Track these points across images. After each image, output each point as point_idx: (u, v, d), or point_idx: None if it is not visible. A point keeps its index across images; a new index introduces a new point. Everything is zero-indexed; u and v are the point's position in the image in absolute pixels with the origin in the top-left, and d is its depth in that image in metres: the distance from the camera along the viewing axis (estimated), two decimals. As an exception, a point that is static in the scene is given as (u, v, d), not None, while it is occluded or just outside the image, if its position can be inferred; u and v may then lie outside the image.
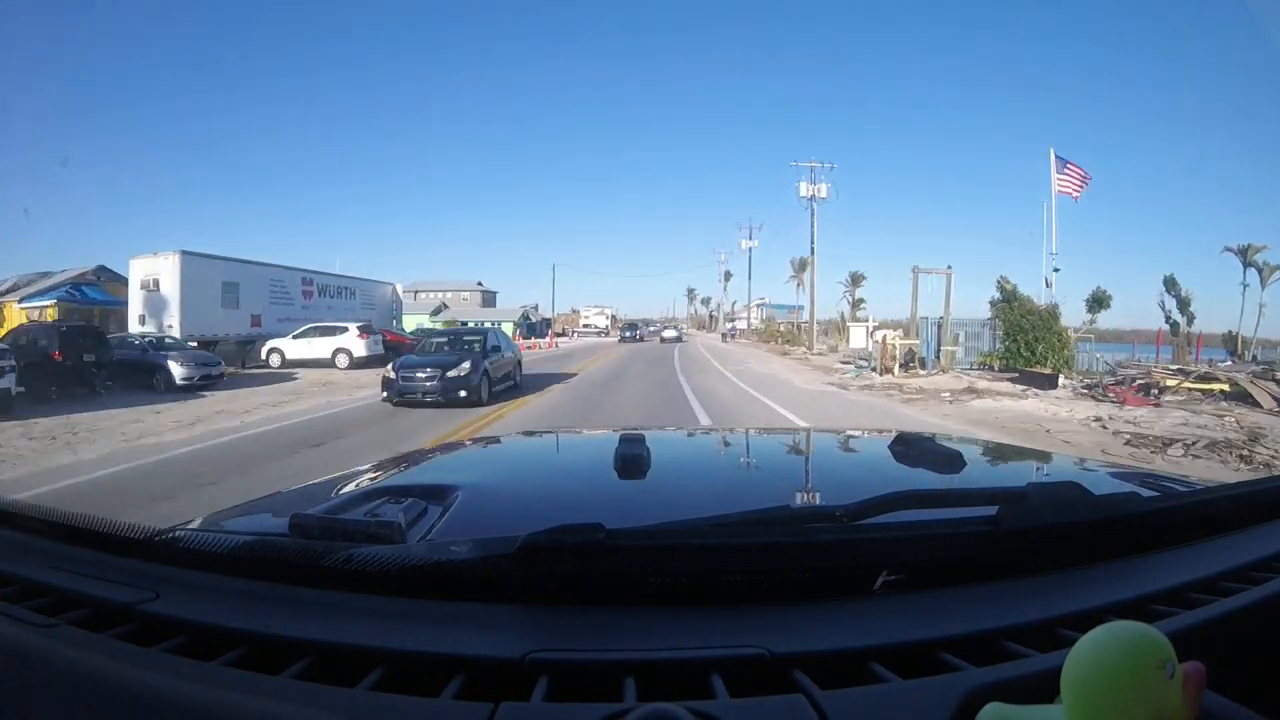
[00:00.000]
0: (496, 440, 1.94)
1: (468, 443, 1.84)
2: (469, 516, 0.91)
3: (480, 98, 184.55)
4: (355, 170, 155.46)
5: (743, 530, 0.70)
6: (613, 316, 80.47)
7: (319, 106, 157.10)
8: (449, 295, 65.54)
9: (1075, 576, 0.69)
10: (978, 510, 0.72)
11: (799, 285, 65.55)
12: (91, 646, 0.54)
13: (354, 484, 1.15)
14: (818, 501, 0.76)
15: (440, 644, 0.57)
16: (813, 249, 32.60)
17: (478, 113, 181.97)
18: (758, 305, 69.46)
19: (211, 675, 0.52)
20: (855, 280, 59.07)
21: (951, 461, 1.15)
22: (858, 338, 22.42)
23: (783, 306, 64.44)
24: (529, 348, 30.40)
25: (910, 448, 1.23)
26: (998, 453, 1.80)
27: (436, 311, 55.76)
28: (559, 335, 52.76)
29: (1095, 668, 0.37)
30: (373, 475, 1.27)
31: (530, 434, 2.18)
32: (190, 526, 0.86)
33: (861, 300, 55.89)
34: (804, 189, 31.30)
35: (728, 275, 74.21)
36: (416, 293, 62.65)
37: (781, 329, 44.70)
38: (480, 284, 70.95)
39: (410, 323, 47.39)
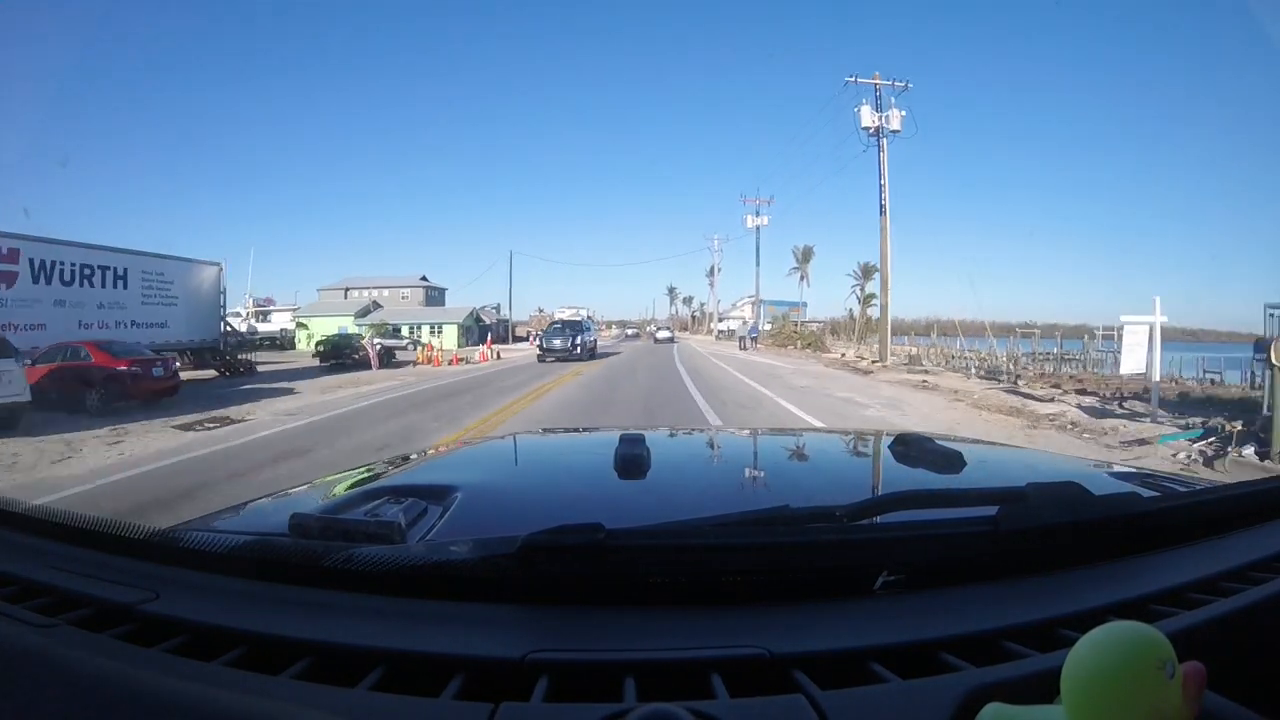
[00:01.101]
0: (496, 440, 1.94)
1: (468, 443, 1.85)
2: (469, 516, 0.91)
3: (435, 72, 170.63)
4: (290, 152, 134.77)
5: (743, 530, 0.70)
6: (589, 318, 73.45)
7: (250, 84, 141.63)
8: (385, 293, 55.65)
9: (1075, 576, 0.69)
10: (978, 510, 0.72)
11: (802, 278, 58.96)
12: (91, 646, 0.54)
13: (354, 484, 1.15)
14: (818, 502, 0.76)
15: (440, 644, 0.57)
16: (883, 206, 21.08)
17: (434, 91, 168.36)
18: (751, 302, 61.63)
19: (211, 675, 0.52)
20: (867, 272, 50.58)
21: (951, 462, 1.15)
22: (1134, 351, 9.44)
23: (781, 303, 57.78)
24: (452, 362, 22.22)
25: (910, 448, 1.23)
26: (997, 453, 1.79)
27: (364, 313, 46.62)
28: (519, 340, 45.48)
29: (1095, 668, 0.37)
30: (373, 475, 1.27)
31: (530, 434, 2.18)
32: (190, 526, 0.86)
33: (872, 296, 48.12)
34: (866, 117, 21.11)
35: (715, 269, 67.19)
36: (347, 290, 54.70)
37: (800, 330, 37.26)
38: (425, 279, 60.32)
39: (330, 326, 38.48)
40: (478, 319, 51.73)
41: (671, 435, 2.08)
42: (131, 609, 0.61)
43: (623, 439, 1.19)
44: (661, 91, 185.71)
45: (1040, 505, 0.73)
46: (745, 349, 31.69)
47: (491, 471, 1.35)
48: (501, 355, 27.74)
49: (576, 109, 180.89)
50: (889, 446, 1.26)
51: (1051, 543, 0.71)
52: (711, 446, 1.81)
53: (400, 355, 24.88)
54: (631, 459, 1.13)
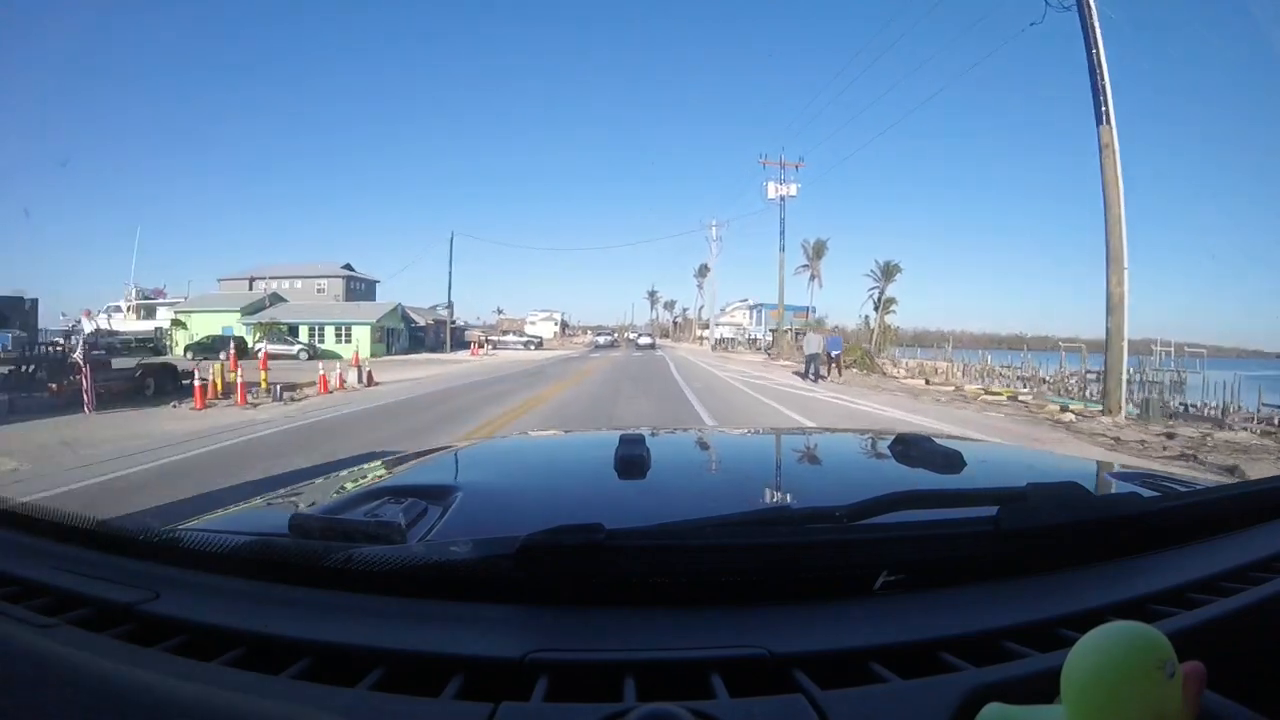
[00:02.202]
0: (497, 440, 1.95)
1: (468, 443, 1.85)
2: (469, 516, 0.91)
3: (385, 34, 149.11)
4: (202, 120, 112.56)
5: (743, 531, 0.70)
6: (563, 323, 64.43)
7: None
8: (298, 285, 45.43)
9: (1075, 576, 0.69)
10: (978, 510, 0.72)
11: (813, 278, 49.30)
12: (91, 646, 0.54)
13: (354, 484, 1.15)
14: (818, 502, 0.76)
15: (440, 644, 0.57)
16: (1103, 111, 11.04)
17: (383, 55, 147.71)
18: (745, 307, 54.22)
19: (211, 675, 0.52)
20: (888, 273, 41.77)
21: (951, 461, 1.15)
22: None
23: (789, 307, 46.62)
24: (240, 399, 10.21)
25: (910, 448, 1.23)
26: (998, 453, 1.80)
27: (256, 308, 36.94)
28: (460, 348, 36.67)
29: (1095, 668, 0.37)
30: (373, 475, 1.28)
31: (530, 434, 2.19)
32: (190, 526, 0.86)
33: (892, 301, 40.63)
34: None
35: (708, 264, 58.03)
36: (252, 280, 44.57)
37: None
38: (349, 269, 49.53)
39: (213, 324, 32.09)
40: (407, 318, 41.22)
41: (672, 436, 2.08)
42: (131, 609, 0.61)
43: (623, 439, 1.19)
44: (644, 33, 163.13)
45: (1040, 505, 0.73)
46: (812, 377, 16.15)
47: (491, 471, 1.35)
48: (374, 380, 15.38)
49: (543, 67, 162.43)
50: (889, 446, 1.27)
51: (1052, 543, 0.71)
52: (712, 447, 1.81)
53: (246, 373, 12.60)
54: (631, 459, 1.13)
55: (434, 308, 45.58)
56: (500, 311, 69.29)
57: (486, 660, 0.54)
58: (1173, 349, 16.94)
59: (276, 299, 39.66)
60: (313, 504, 1.08)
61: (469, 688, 0.52)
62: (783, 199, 30.61)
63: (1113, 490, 0.90)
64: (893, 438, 1.30)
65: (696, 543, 0.67)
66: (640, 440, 1.21)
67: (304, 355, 25.62)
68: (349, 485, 1.15)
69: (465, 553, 0.65)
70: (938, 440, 1.26)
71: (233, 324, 33.08)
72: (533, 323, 62.17)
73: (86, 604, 0.61)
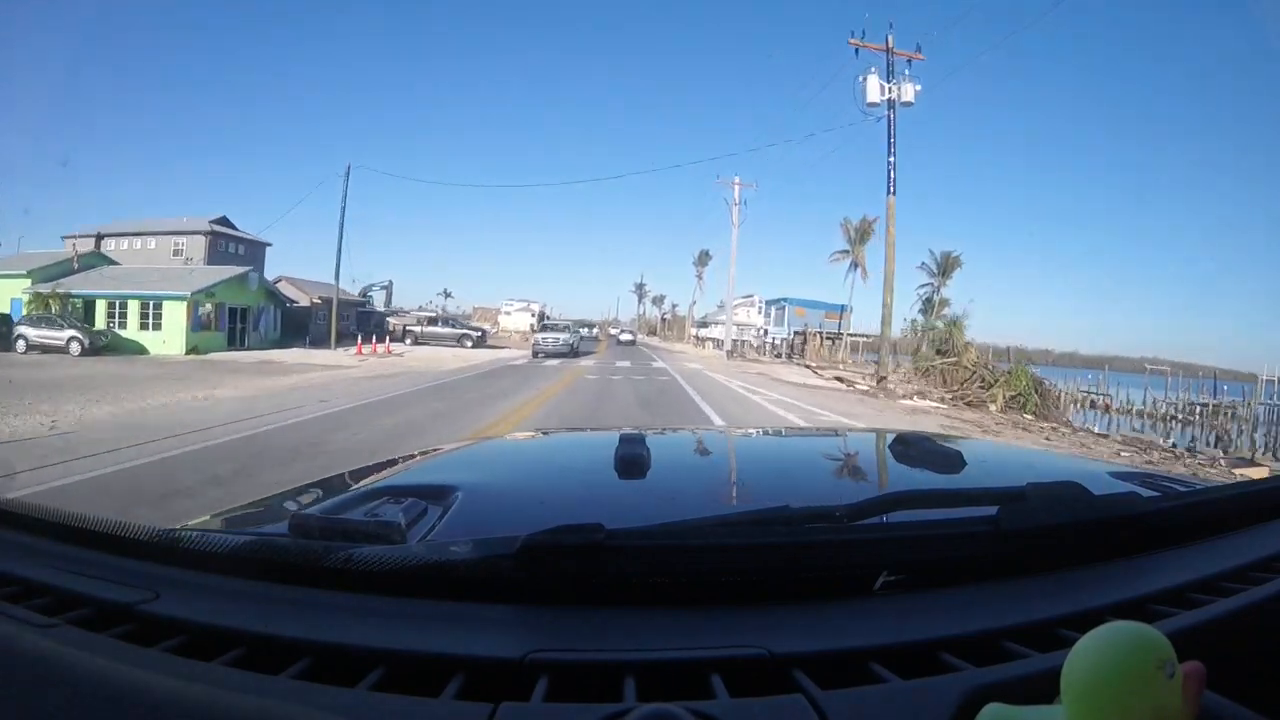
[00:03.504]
0: (497, 440, 1.95)
1: (468, 443, 1.84)
2: (469, 516, 0.91)
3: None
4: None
5: (743, 530, 0.71)
6: (541, 314, 51.12)
7: None
8: (152, 244, 34.18)
9: (1075, 576, 0.69)
10: (978, 510, 0.72)
11: (855, 266, 37.75)
12: (91, 646, 0.54)
13: (354, 484, 1.15)
14: (818, 502, 0.77)
15: (440, 644, 0.57)
16: None
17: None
18: (747, 304, 40.58)
19: (211, 675, 0.52)
20: (946, 265, 34.31)
21: (951, 462, 1.15)
22: None
23: (816, 304, 38.16)
24: None
25: (910, 448, 1.23)
26: (998, 453, 1.80)
27: (58, 273, 24.46)
28: (346, 341, 25.63)
29: (1095, 668, 0.37)
30: (373, 475, 1.27)
31: (530, 434, 2.18)
32: (190, 526, 0.86)
33: (946, 302, 32.14)
34: None
35: (704, 257, 49.97)
36: (99, 237, 32.76)
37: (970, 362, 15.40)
38: (224, 223, 36.78)
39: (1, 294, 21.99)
40: (276, 294, 29.19)
41: (672, 435, 2.08)
42: (131, 609, 0.61)
43: (623, 439, 1.20)
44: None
45: (1040, 505, 0.73)
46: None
47: (491, 471, 1.35)
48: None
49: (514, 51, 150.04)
50: (889, 446, 1.27)
51: (1052, 542, 0.71)
52: (712, 447, 1.81)
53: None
54: (632, 459, 1.13)
55: (369, 287, 34.65)
56: (448, 294, 59.12)
57: (486, 660, 0.54)
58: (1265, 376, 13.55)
59: (99, 260, 27.71)
60: (313, 504, 1.08)
61: (469, 688, 0.52)
62: (892, 104, 17.34)
63: (1113, 490, 0.90)
64: (893, 437, 1.30)
65: (696, 543, 0.67)
66: (640, 440, 1.21)
67: (77, 347, 17.29)
68: (349, 485, 1.15)
69: (465, 553, 0.65)
70: (938, 440, 1.26)
71: (15, 291, 23.01)
72: (508, 313, 52.87)
73: (86, 604, 0.61)
